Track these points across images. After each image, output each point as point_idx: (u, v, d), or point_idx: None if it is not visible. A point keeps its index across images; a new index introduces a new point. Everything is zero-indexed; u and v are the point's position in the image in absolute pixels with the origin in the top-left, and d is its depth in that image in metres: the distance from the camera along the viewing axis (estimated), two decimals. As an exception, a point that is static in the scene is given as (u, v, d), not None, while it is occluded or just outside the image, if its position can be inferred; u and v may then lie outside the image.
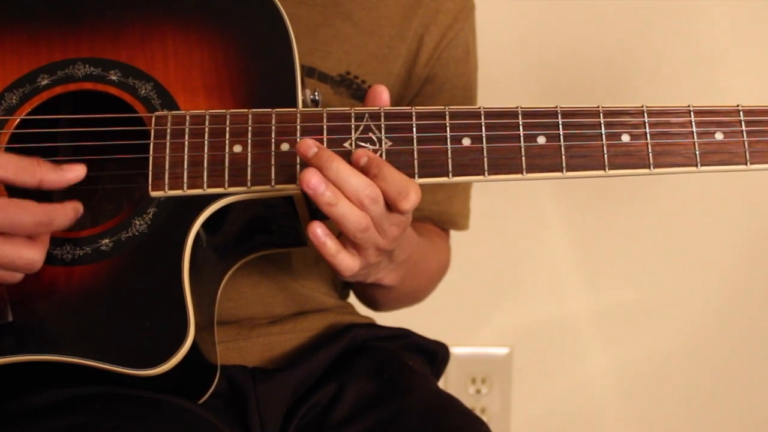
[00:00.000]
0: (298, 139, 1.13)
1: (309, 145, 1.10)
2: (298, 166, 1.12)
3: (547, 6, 2.07)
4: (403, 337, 1.43)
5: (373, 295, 1.45)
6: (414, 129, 1.13)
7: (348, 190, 1.09)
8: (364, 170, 1.11)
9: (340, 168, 1.09)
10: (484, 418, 1.35)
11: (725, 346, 2.27)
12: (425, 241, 1.41)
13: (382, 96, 1.15)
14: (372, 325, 1.45)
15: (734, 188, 2.13)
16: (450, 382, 2.27)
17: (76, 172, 1.10)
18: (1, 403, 1.17)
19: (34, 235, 1.07)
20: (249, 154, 1.13)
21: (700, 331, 2.26)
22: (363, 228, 1.10)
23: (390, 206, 1.11)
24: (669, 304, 2.24)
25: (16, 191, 1.10)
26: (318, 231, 1.11)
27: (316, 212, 1.19)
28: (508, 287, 2.23)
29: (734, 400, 2.29)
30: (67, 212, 1.09)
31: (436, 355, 1.45)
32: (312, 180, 1.09)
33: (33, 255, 1.07)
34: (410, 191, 1.10)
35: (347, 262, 1.14)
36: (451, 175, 1.13)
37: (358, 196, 1.09)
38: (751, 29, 2.09)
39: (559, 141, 1.13)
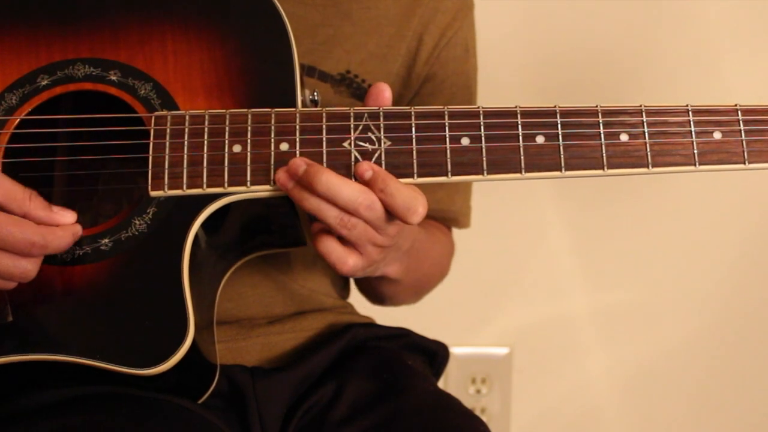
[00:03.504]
0: (297, 139, 1.13)
1: (298, 164, 1.10)
2: None
3: (547, 5, 2.07)
4: (403, 336, 1.43)
5: (380, 289, 1.45)
6: (413, 129, 1.13)
7: (341, 201, 1.09)
8: (369, 185, 1.10)
9: (330, 180, 1.09)
10: (484, 418, 1.35)
11: (725, 346, 2.27)
12: (425, 231, 1.41)
13: (384, 94, 1.15)
14: (371, 325, 1.45)
15: (733, 188, 2.14)
16: (450, 382, 2.27)
17: (65, 218, 1.10)
18: (1, 403, 1.17)
19: (26, 255, 1.07)
20: (248, 153, 1.13)
21: (699, 330, 2.26)
22: (348, 224, 1.10)
23: (396, 218, 1.11)
24: (669, 303, 2.24)
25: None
26: (320, 232, 1.12)
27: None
28: (508, 287, 2.23)
29: (734, 399, 2.29)
30: (65, 237, 1.09)
31: (436, 354, 1.45)
32: (280, 177, 1.10)
33: (28, 265, 1.07)
34: (418, 206, 1.10)
35: (350, 260, 1.14)
36: (450, 174, 1.13)
37: (354, 205, 1.09)
38: (750, 29, 2.09)
39: (558, 140, 1.13)
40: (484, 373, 2.29)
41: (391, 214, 1.11)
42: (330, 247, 1.14)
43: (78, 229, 1.11)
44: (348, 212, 1.10)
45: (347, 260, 1.14)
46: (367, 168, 1.11)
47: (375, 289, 1.47)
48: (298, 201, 1.11)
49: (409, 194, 1.10)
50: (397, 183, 1.10)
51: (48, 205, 1.10)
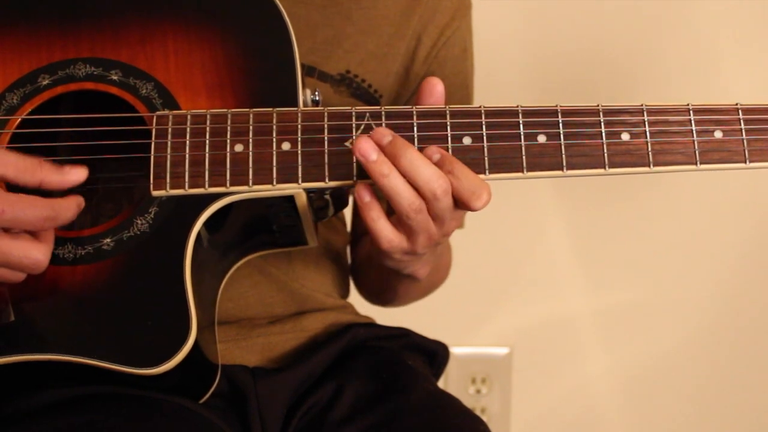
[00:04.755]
0: (299, 139, 1.13)
1: (383, 134, 1.11)
2: (299, 166, 1.13)
3: (547, 5, 2.08)
4: (403, 336, 1.43)
5: (397, 286, 1.43)
6: (414, 128, 1.14)
7: (420, 180, 1.09)
8: (437, 166, 1.10)
9: (414, 157, 1.09)
10: (484, 418, 1.35)
11: (725, 346, 2.27)
12: None
13: (437, 88, 1.15)
14: (372, 325, 1.45)
15: (734, 188, 2.14)
16: (450, 382, 2.27)
17: (78, 175, 1.11)
18: (2, 403, 1.17)
19: (39, 230, 1.08)
20: (250, 153, 1.13)
21: (700, 331, 2.26)
22: (417, 208, 1.10)
23: (461, 204, 1.11)
24: (669, 304, 2.24)
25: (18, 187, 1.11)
26: (363, 191, 1.12)
27: (318, 211, 1.20)
28: (508, 287, 2.23)
29: (734, 399, 2.29)
30: (71, 206, 1.09)
31: (436, 354, 1.45)
32: (363, 145, 1.09)
33: (39, 255, 1.07)
34: (483, 191, 1.10)
35: (387, 231, 1.13)
36: (451, 173, 1.13)
37: (431, 186, 1.09)
38: (750, 28, 2.09)
39: (560, 140, 1.13)
40: (484, 373, 2.29)
41: (455, 202, 1.11)
42: (381, 223, 1.13)
43: (80, 199, 1.11)
44: (422, 194, 1.10)
45: (392, 236, 1.13)
46: (435, 151, 1.11)
47: (390, 286, 1.44)
48: (377, 176, 1.10)
49: (476, 179, 1.10)
50: (464, 167, 1.11)
51: (59, 167, 1.10)
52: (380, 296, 1.52)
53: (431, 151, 1.11)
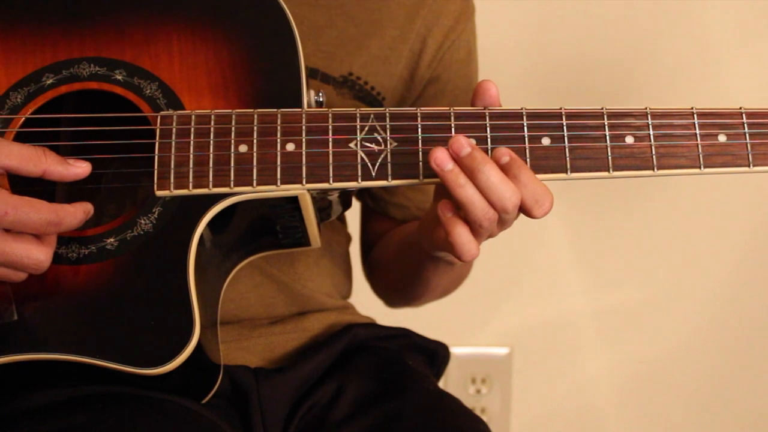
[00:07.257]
0: (303, 140, 1.13)
1: (462, 145, 1.09)
2: (303, 167, 1.13)
3: (551, 8, 2.08)
4: (403, 336, 1.43)
5: (431, 277, 1.40)
6: (419, 130, 1.14)
7: (494, 196, 1.08)
8: (504, 169, 1.10)
9: (491, 173, 1.08)
10: (484, 418, 1.35)
11: (725, 346, 2.27)
12: None
13: (490, 91, 1.14)
14: (372, 325, 1.45)
15: (734, 188, 2.14)
16: (450, 382, 2.27)
17: (82, 169, 1.11)
18: (4, 403, 1.16)
19: (42, 234, 1.07)
20: (254, 154, 1.13)
21: (699, 331, 2.26)
22: (491, 218, 1.09)
23: (522, 210, 1.11)
24: (669, 304, 2.24)
25: (26, 188, 1.11)
26: (445, 207, 1.10)
27: (322, 212, 1.20)
28: (508, 287, 2.24)
29: (734, 399, 2.30)
30: (77, 213, 1.09)
31: (436, 355, 1.45)
32: (440, 155, 1.08)
33: (41, 255, 1.07)
34: (546, 201, 1.10)
35: (471, 242, 1.12)
36: (456, 175, 1.13)
37: (503, 204, 1.08)
38: (755, 31, 2.09)
39: (564, 142, 1.13)
40: (484, 373, 2.29)
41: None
42: (464, 237, 1.11)
43: (89, 207, 1.11)
44: (492, 206, 1.09)
45: (472, 245, 1.12)
46: (504, 153, 1.10)
47: (423, 277, 1.41)
48: (452, 187, 1.09)
49: (541, 187, 1.10)
50: (530, 173, 1.10)
51: (63, 159, 1.10)
52: (409, 293, 1.50)
53: (500, 153, 1.10)
